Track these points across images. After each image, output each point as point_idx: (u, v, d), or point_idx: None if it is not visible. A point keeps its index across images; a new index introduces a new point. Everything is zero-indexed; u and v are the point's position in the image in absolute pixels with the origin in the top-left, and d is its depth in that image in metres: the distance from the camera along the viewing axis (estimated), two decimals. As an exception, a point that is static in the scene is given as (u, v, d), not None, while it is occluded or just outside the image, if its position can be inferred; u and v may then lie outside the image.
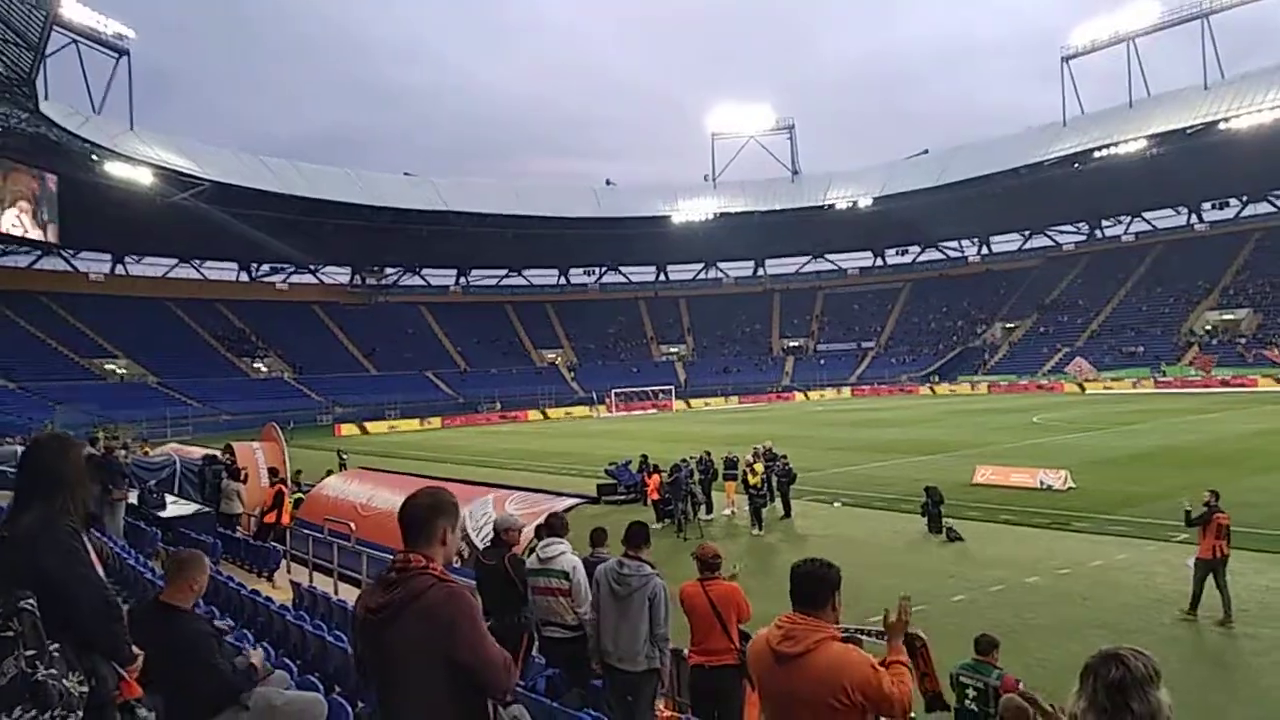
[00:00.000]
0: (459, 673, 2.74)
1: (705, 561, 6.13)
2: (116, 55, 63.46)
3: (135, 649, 3.26)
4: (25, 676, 2.66)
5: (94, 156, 58.47)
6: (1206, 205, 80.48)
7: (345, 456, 31.95)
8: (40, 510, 3.05)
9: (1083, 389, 63.95)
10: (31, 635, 2.71)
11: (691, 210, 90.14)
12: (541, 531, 6.72)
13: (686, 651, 6.18)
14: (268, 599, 7.86)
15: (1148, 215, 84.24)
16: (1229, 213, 79.80)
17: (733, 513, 20.42)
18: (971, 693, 6.54)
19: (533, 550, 6.26)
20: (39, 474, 3.16)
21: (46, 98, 52.95)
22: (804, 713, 3.09)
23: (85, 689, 2.85)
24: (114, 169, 59.62)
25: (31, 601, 2.76)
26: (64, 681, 2.75)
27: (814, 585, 3.21)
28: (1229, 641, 10.41)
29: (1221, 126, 64.07)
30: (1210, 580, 10.95)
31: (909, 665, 3.30)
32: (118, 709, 3.17)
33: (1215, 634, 10.45)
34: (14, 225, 58.15)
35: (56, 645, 2.79)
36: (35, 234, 59.82)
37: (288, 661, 4.98)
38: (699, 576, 6.10)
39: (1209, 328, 68.94)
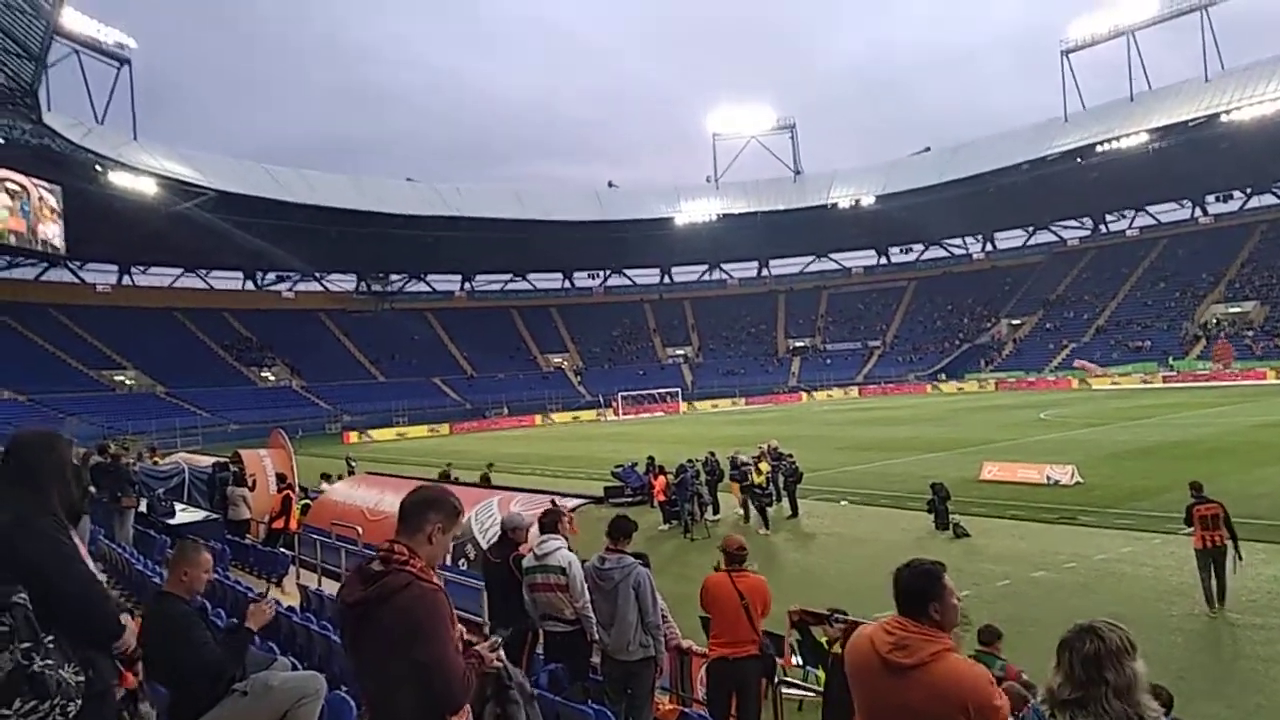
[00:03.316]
0: (423, 673, 2.73)
1: (731, 554, 6.16)
2: (118, 64, 63.72)
3: (129, 631, 3.29)
4: (22, 669, 2.69)
5: (98, 167, 58.73)
6: (1210, 198, 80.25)
7: (354, 464, 32.07)
8: (20, 505, 3.07)
9: (1089, 385, 63.79)
10: (25, 628, 2.74)
11: (694, 211, 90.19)
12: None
13: (700, 647, 6.20)
14: (276, 603, 7.92)
15: (1151, 209, 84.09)
16: (1233, 205, 79.57)
17: (743, 514, 20.32)
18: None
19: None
20: (18, 469, 3.18)
21: (49, 109, 53.24)
22: None
23: (82, 678, 2.89)
24: (118, 179, 59.89)
25: (23, 595, 2.79)
26: (60, 671, 2.79)
27: (914, 588, 2.89)
28: (1237, 631, 10.40)
29: (1224, 119, 63.84)
30: (1212, 570, 11.01)
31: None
32: (118, 699, 3.20)
33: (1223, 624, 10.43)
34: (52, 235, 58.31)
35: (51, 637, 2.83)
36: (53, 246, 59.92)
37: (293, 660, 5.02)
38: (726, 568, 6.12)
39: (1216, 321, 68.72)
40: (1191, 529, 11.37)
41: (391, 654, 2.76)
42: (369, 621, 2.81)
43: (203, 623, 4.32)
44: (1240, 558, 11.06)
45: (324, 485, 20.88)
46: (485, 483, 23.26)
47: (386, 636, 2.76)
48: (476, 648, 3.05)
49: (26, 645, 2.72)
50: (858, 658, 2.98)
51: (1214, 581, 10.95)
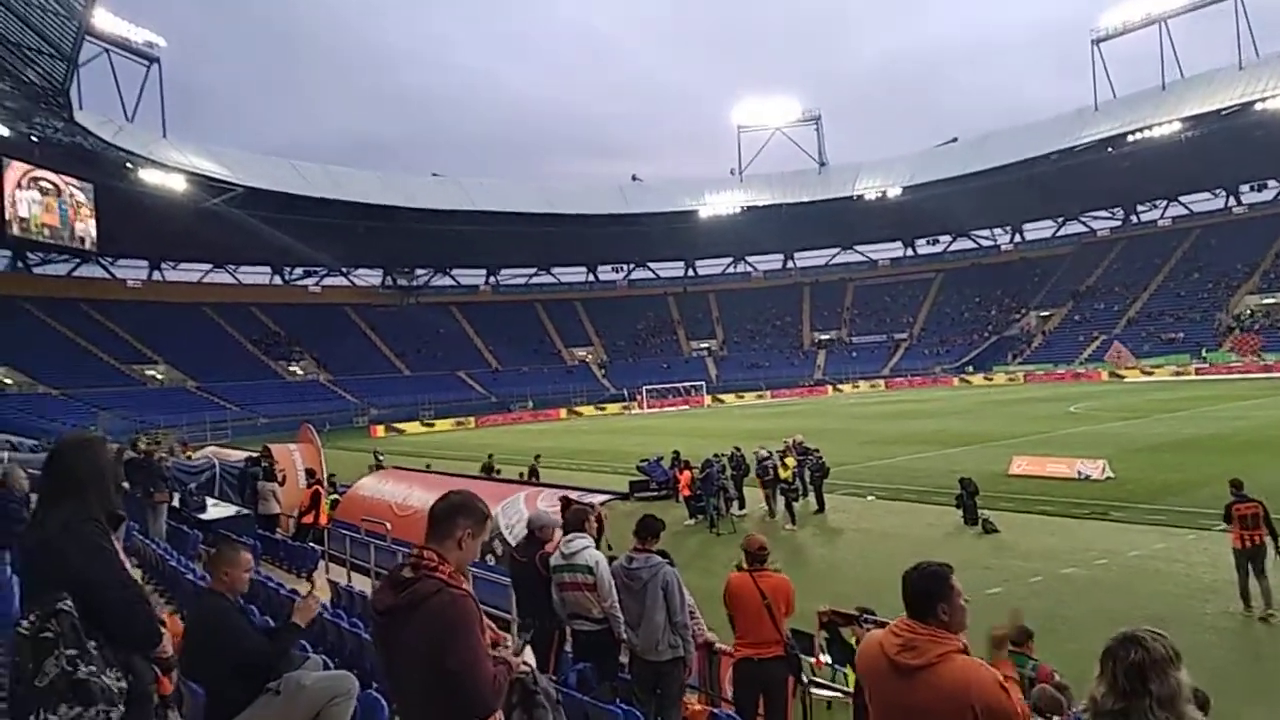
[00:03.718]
0: (453, 679, 2.74)
1: (753, 554, 6.13)
2: (147, 64, 64.62)
3: (167, 637, 3.35)
4: (67, 675, 2.73)
5: (128, 164, 59.57)
6: (1244, 187, 78.85)
7: (382, 457, 32.32)
8: (65, 512, 3.12)
9: (1121, 376, 63.01)
10: (71, 635, 2.78)
11: (718, 204, 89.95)
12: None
13: (731, 646, 6.17)
14: (293, 591, 8.00)
15: (1184, 199, 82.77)
16: (1268, 194, 77.98)
17: (767, 509, 20.21)
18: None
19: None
20: (61, 476, 3.23)
21: (81, 107, 53.99)
22: None
23: (124, 684, 2.93)
24: (148, 176, 60.71)
25: (69, 602, 2.84)
26: (103, 677, 2.83)
27: (924, 590, 2.93)
28: (1274, 633, 10.23)
29: (1258, 107, 62.73)
30: (1251, 570, 10.79)
31: (1016, 679, 3.09)
32: (155, 704, 3.25)
33: (1259, 626, 10.26)
34: (84, 232, 59.44)
35: (95, 643, 2.87)
36: (85, 243, 60.99)
37: (325, 658, 5.06)
38: (747, 568, 6.09)
39: (1250, 312, 67.59)
40: (1229, 527, 11.17)
41: (422, 660, 2.78)
42: (399, 628, 2.84)
43: (243, 620, 4.39)
44: None
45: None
46: (533, 475, 23.74)
47: (416, 643, 2.78)
48: (504, 655, 3.05)
49: (72, 652, 2.76)
50: (868, 660, 3.04)
51: (1251, 581, 10.75)
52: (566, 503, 7.97)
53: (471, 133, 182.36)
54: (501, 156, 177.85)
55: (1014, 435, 31.38)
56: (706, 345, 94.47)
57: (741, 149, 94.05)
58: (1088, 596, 11.83)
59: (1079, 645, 9.50)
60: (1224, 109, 64.28)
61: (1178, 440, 27.27)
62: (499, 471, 24.72)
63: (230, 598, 4.40)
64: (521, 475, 22.69)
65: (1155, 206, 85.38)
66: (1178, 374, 60.57)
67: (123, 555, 3.29)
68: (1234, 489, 11.32)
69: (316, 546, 14.27)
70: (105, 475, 3.33)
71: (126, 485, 11.31)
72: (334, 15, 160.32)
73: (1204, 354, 63.05)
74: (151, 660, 3.29)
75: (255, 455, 18.38)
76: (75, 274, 74.47)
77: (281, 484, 17.00)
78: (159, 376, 69.47)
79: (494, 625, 3.39)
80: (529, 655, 5.34)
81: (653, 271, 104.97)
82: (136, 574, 9.67)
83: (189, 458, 25.05)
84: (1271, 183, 76.94)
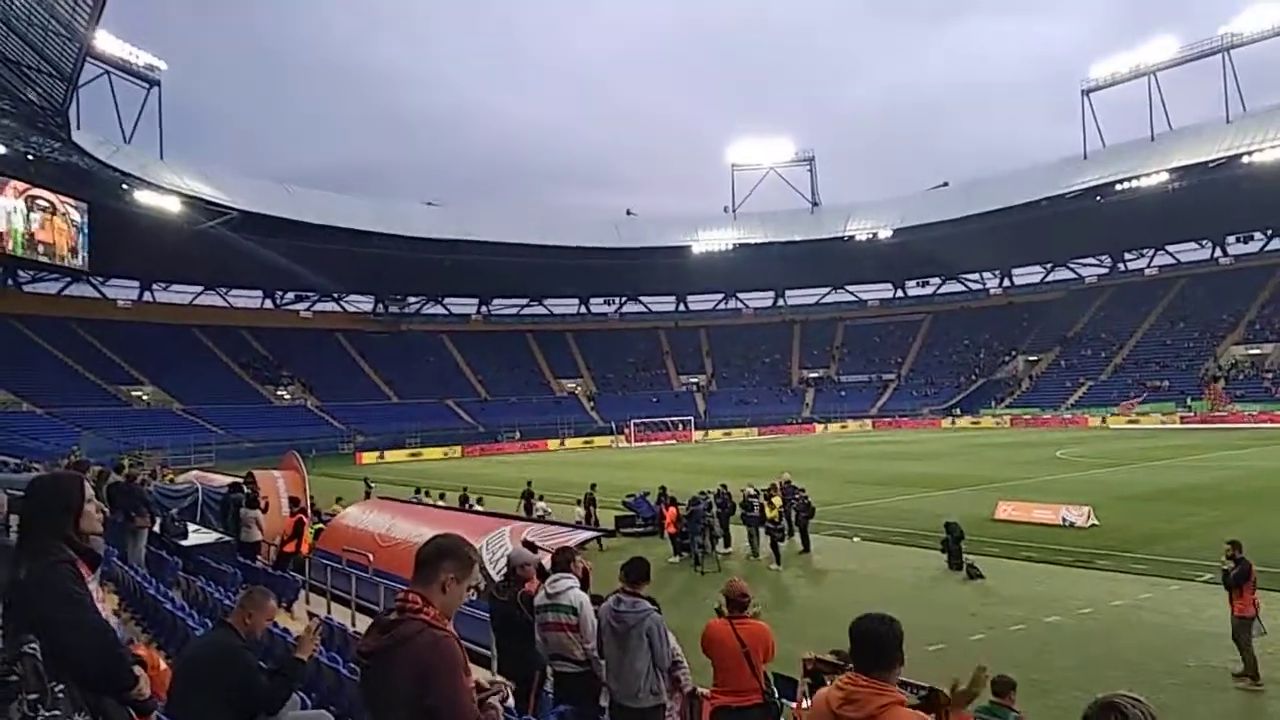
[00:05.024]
0: (435, 719, 2.75)
1: (733, 600, 6.06)
2: (147, 86, 64.88)
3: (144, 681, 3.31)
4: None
5: (124, 185, 59.59)
6: (1231, 239, 79.86)
7: (372, 485, 32.13)
8: (39, 552, 3.13)
9: (1105, 422, 63.34)
10: (33, 678, 2.76)
11: (711, 241, 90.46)
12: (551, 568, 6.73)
13: (708, 691, 6.13)
14: (285, 630, 7.89)
15: (1171, 248, 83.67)
16: (1254, 246, 79.13)
17: (751, 550, 20.10)
18: (989, 736, 6.46)
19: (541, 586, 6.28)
20: (36, 515, 3.25)
21: (79, 128, 54.14)
22: None
23: None
24: (143, 198, 60.71)
25: (33, 645, 2.81)
26: None
27: (875, 643, 2.99)
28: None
29: (1245, 160, 63.69)
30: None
31: None
32: None
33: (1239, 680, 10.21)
34: (77, 251, 59.42)
35: (61, 686, 2.84)
36: (77, 262, 60.88)
37: (301, 695, 5.00)
38: (727, 614, 6.04)
39: (1235, 362, 68.13)
40: (1236, 591, 10.41)
41: (404, 701, 2.78)
42: (382, 670, 2.86)
43: (254, 659, 4.39)
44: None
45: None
46: (527, 498, 24.47)
47: (399, 684, 2.79)
48: (491, 699, 3.04)
49: (33, 697, 2.73)
50: (816, 717, 3.06)
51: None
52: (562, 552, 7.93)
53: (468, 159, 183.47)
54: (498, 185, 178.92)
55: (1000, 480, 31.44)
56: (696, 380, 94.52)
57: (735, 187, 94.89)
58: (1072, 646, 11.79)
59: (1063, 696, 9.50)
60: (1211, 161, 65.21)
61: (1162, 489, 27.35)
62: (480, 501, 24.70)
63: (243, 637, 4.41)
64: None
65: (1143, 255, 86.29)
66: (1163, 422, 60.90)
67: (97, 596, 3.26)
68: (1238, 549, 10.62)
69: (298, 576, 14.12)
70: (74, 502, 3.30)
71: (107, 510, 11.19)
72: (333, 40, 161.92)
73: (1189, 403, 63.44)
74: (126, 703, 3.25)
75: (238, 481, 18.22)
76: (65, 293, 74.19)
77: (264, 511, 16.85)
78: (145, 397, 69.04)
79: (496, 679, 3.39)
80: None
81: (644, 305, 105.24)
82: (114, 601, 9.55)
83: (171, 481, 24.84)
84: (1257, 235, 78.02)
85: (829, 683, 6.46)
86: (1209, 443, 43.77)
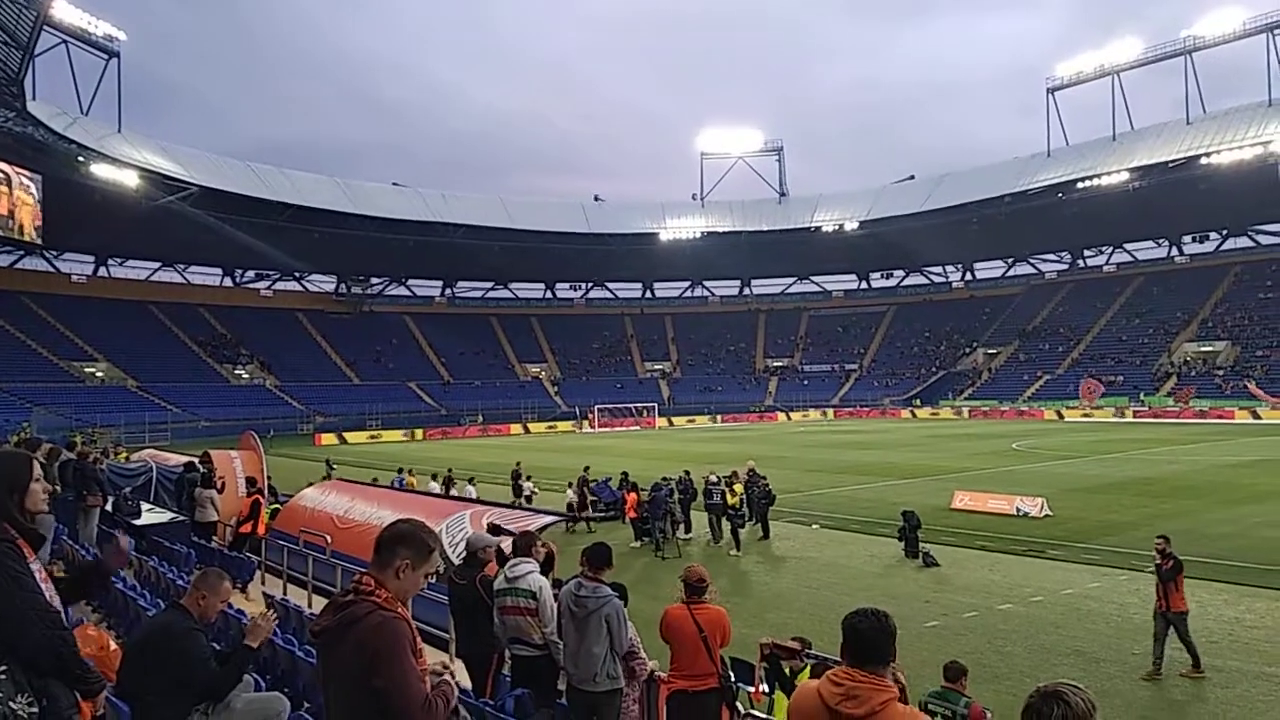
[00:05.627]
0: (383, 700, 2.76)
1: (691, 585, 6.07)
2: (106, 57, 63.24)
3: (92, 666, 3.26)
4: None
5: (80, 158, 58.18)
6: (1187, 238, 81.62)
7: (334, 467, 31.84)
8: None
9: (1061, 416, 64.54)
10: None
11: (679, 228, 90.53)
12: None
13: (665, 675, 6.16)
14: (239, 611, 7.81)
15: (1129, 246, 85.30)
16: (1209, 246, 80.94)
17: (712, 536, 20.23)
18: (939, 720, 6.56)
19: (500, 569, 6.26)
20: None
21: (34, 98, 52.74)
22: None
23: (35, 709, 2.86)
24: (100, 171, 59.30)
25: None
26: (11, 704, 2.76)
27: (874, 640, 2.92)
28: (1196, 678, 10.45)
29: (1203, 161, 64.99)
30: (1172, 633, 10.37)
31: None
32: None
33: (1185, 665, 10.47)
34: (30, 223, 57.87)
35: (4, 668, 2.79)
36: (30, 235, 59.33)
37: (255, 677, 4.95)
38: (685, 599, 6.07)
39: (1187, 359, 69.64)
40: (1170, 586, 10.41)
41: (352, 680, 2.81)
42: (333, 650, 2.88)
43: (205, 642, 4.31)
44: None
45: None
46: (515, 480, 25.25)
47: (348, 665, 2.83)
48: (445, 678, 3.04)
49: None
50: (806, 712, 2.96)
51: (1184, 642, 10.36)
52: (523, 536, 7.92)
53: (437, 141, 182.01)
54: (466, 167, 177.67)
55: (957, 470, 31.89)
56: (661, 367, 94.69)
57: (704, 175, 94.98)
58: (1023, 633, 12.02)
59: (1013, 683, 9.69)
60: (1171, 161, 66.44)
61: (1113, 481, 27.91)
62: (412, 484, 24.68)
63: (196, 620, 4.32)
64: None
65: (1101, 252, 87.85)
66: (1117, 415, 62.17)
67: (40, 577, 3.19)
68: (1167, 543, 10.66)
69: (253, 557, 13.96)
70: (13, 480, 3.23)
71: (58, 488, 10.98)
72: (306, 16, 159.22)
73: (1142, 397, 64.78)
74: (73, 686, 3.19)
75: (193, 460, 17.94)
76: (17, 266, 72.40)
77: (220, 491, 16.63)
78: (99, 374, 67.67)
79: (445, 659, 3.37)
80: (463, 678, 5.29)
81: (611, 291, 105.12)
82: (56, 601, 9.38)
83: (125, 459, 24.38)
84: (1213, 235, 79.75)
85: (785, 669, 6.55)
86: (1160, 437, 44.76)
